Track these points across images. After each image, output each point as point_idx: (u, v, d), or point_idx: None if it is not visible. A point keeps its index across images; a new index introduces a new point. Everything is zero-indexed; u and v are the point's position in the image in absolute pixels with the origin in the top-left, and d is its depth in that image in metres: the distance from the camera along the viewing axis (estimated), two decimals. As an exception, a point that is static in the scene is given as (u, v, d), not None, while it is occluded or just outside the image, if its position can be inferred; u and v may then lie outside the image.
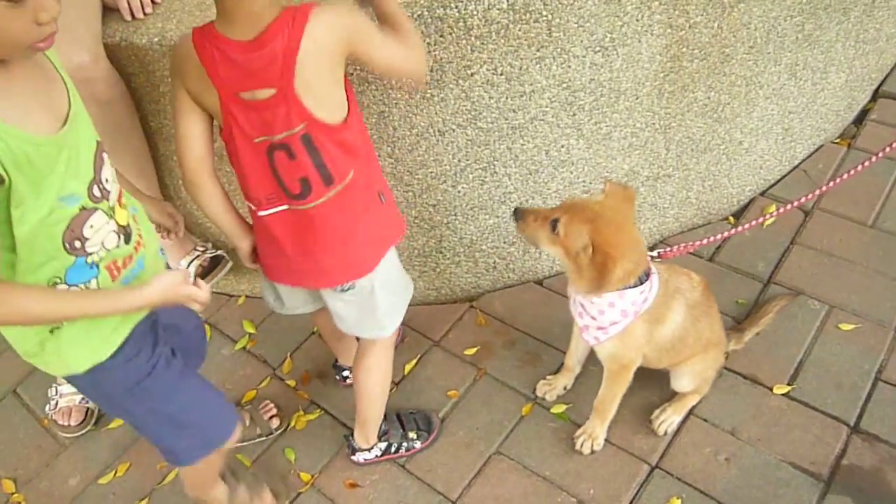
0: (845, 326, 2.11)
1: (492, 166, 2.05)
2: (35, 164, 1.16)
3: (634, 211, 1.67)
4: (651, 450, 1.95)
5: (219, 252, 2.40)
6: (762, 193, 2.54)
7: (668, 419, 1.97)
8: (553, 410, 2.07)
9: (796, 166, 2.58)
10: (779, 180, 2.55)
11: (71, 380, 1.45)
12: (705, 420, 1.99)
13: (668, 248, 1.80)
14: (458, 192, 2.10)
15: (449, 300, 2.42)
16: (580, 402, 2.06)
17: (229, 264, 2.39)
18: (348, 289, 1.65)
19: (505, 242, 2.26)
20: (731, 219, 2.49)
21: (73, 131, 1.25)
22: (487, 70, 1.85)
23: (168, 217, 1.69)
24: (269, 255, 1.65)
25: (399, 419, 2.05)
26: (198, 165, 1.52)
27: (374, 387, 1.91)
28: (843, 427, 1.92)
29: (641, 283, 1.66)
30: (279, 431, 2.14)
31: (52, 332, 1.34)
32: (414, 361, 2.24)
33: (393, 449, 2.02)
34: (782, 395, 2.00)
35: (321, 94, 1.41)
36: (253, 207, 1.57)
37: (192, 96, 1.45)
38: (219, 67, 1.37)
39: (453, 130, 1.95)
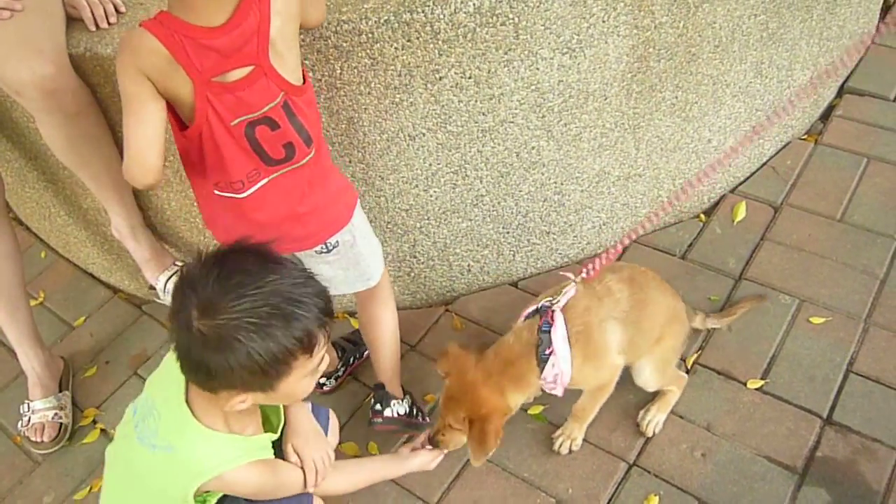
0: (816, 320, 2.14)
1: (463, 169, 2.05)
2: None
3: (474, 360, 1.75)
4: (628, 448, 1.97)
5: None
6: (732, 191, 2.56)
7: (654, 419, 1.98)
8: (530, 412, 2.07)
9: (765, 163, 2.61)
10: (748, 177, 2.58)
11: None
12: (681, 417, 2.00)
13: (587, 272, 1.72)
14: (431, 196, 2.10)
15: (424, 304, 2.42)
16: (558, 403, 2.04)
17: None
18: (332, 248, 1.68)
19: (479, 245, 2.26)
20: (703, 216, 2.52)
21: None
22: (456, 74, 1.85)
23: None
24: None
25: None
26: (161, 163, 1.46)
27: (388, 334, 1.96)
28: (817, 419, 1.95)
29: (546, 356, 1.69)
30: None
31: None
32: (391, 367, 2.24)
33: (415, 411, 2.02)
34: (756, 389, 2.02)
35: (289, 60, 1.47)
36: (229, 195, 1.55)
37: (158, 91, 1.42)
38: (191, 56, 1.37)
39: (424, 135, 1.96)
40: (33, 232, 2.94)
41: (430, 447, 1.82)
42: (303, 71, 1.54)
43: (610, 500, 1.88)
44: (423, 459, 1.82)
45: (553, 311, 1.70)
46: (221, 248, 1.30)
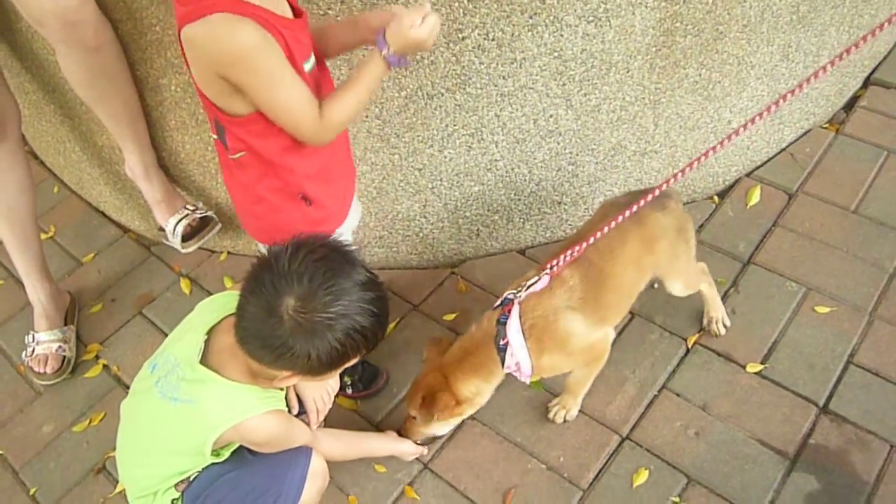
0: (821, 309, 2.14)
1: (479, 133, 2.04)
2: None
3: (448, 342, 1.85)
4: (622, 421, 1.98)
5: (208, 213, 2.38)
6: (748, 174, 2.54)
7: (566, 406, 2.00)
8: (528, 379, 2.09)
9: (783, 149, 2.59)
10: (765, 162, 2.56)
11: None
12: (678, 394, 2.01)
13: (553, 267, 1.72)
14: (445, 157, 2.09)
15: (431, 265, 2.43)
16: (555, 371, 2.07)
17: (218, 226, 2.38)
18: None
19: (489, 210, 2.26)
20: (716, 198, 2.50)
21: None
22: (479, 35, 1.83)
23: None
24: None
25: None
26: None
27: None
28: (813, 407, 1.95)
29: (503, 346, 1.72)
30: None
31: None
32: (393, 324, 2.25)
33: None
34: (755, 373, 2.03)
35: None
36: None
37: None
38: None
39: (442, 94, 1.94)
40: (47, 167, 2.95)
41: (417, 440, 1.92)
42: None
43: (601, 470, 1.90)
44: (406, 448, 1.92)
45: (512, 304, 1.72)
46: (307, 241, 1.39)
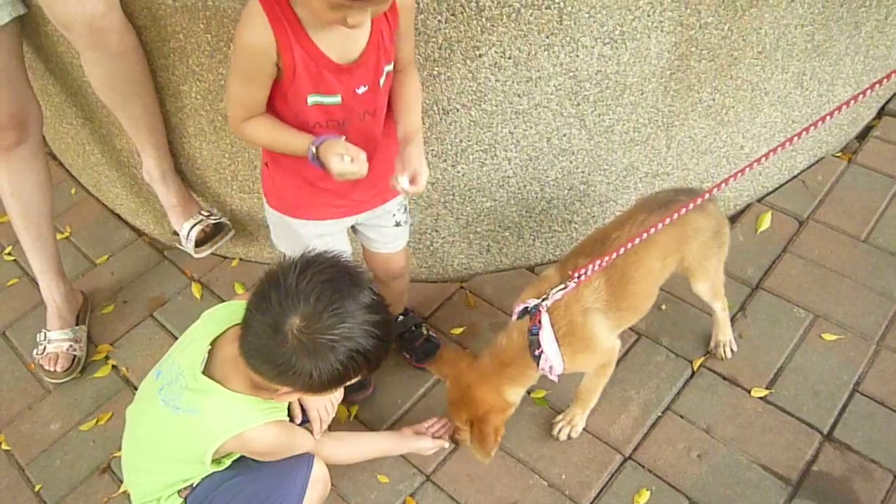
0: (828, 336, 2.14)
1: (493, 149, 2.07)
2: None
3: (468, 363, 1.85)
4: (626, 441, 1.98)
5: (222, 219, 2.41)
6: (759, 200, 2.55)
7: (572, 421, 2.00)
8: (533, 395, 2.09)
9: (795, 176, 2.60)
10: (777, 188, 2.57)
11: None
12: (681, 416, 2.02)
13: (579, 276, 1.72)
14: (458, 172, 2.11)
15: (440, 279, 2.44)
16: (559, 389, 2.08)
17: (231, 232, 2.41)
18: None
19: (500, 226, 2.28)
20: (727, 223, 2.51)
21: None
22: (496, 53, 1.86)
23: None
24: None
25: None
26: None
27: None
28: (817, 434, 1.95)
29: (537, 356, 1.73)
30: None
31: None
32: (400, 336, 2.26)
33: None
34: (760, 398, 2.03)
35: None
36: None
37: None
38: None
39: (457, 110, 1.97)
40: (66, 168, 2.99)
41: (434, 433, 1.93)
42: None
43: (602, 489, 1.90)
44: (424, 444, 1.91)
45: (540, 314, 1.73)
46: (316, 260, 1.41)
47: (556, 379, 1.79)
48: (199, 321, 1.65)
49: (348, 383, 1.47)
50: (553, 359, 1.72)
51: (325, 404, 1.73)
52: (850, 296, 2.23)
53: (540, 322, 1.72)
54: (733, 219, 2.52)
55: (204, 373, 1.50)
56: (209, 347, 1.53)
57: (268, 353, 1.37)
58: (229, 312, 1.58)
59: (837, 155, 2.67)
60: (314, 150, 1.51)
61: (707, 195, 1.66)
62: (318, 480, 1.68)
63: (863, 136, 2.74)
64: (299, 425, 1.70)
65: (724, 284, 2.05)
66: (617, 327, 1.83)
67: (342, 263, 1.44)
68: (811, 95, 2.37)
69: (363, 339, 1.38)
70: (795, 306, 2.22)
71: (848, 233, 2.41)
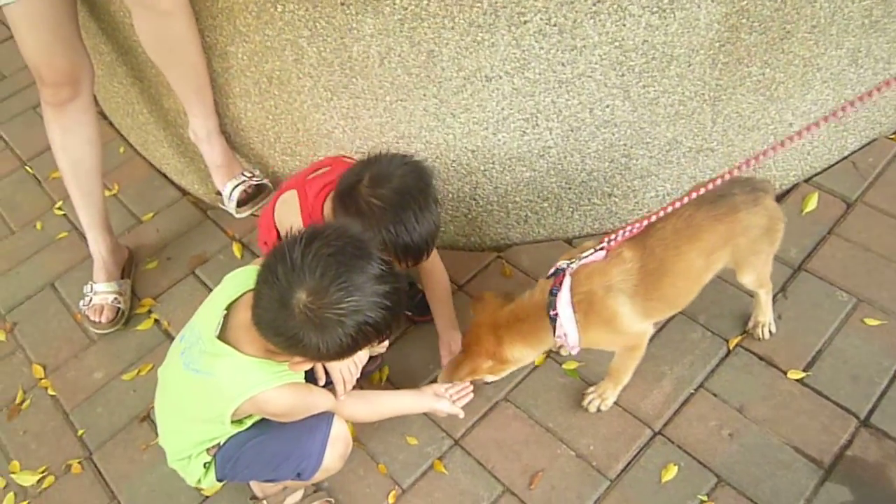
0: (871, 321, 2.09)
1: (534, 118, 2.05)
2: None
3: (502, 303, 1.85)
4: (656, 416, 1.97)
5: (264, 180, 2.45)
6: (806, 180, 2.49)
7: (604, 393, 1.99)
8: (565, 366, 2.09)
9: (845, 157, 2.53)
10: (825, 169, 2.50)
11: None
12: (715, 394, 2.00)
13: (610, 241, 1.72)
14: (499, 140, 2.11)
15: (477, 248, 2.45)
16: (593, 361, 2.08)
17: (273, 193, 2.44)
18: None
19: (539, 197, 2.27)
20: (771, 202, 2.46)
21: None
22: (541, 20, 1.84)
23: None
24: None
25: None
26: None
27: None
28: (853, 419, 1.92)
29: (553, 317, 1.72)
30: None
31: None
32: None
33: None
34: (796, 380, 2.00)
35: None
36: None
37: None
38: None
39: (500, 77, 1.96)
40: (115, 127, 3.06)
41: (452, 395, 1.91)
42: None
43: (630, 462, 1.90)
44: (441, 406, 1.88)
45: (564, 275, 1.72)
46: (322, 232, 1.39)
47: (573, 351, 1.79)
48: (221, 285, 1.64)
49: (362, 350, 1.50)
50: (567, 324, 1.71)
51: (349, 366, 1.73)
52: (895, 281, 2.17)
53: (561, 284, 1.71)
54: (779, 198, 2.47)
55: (219, 337, 1.50)
56: (225, 312, 1.54)
57: (277, 326, 1.38)
58: (246, 277, 1.57)
59: (891, 137, 2.59)
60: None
61: (735, 171, 1.59)
62: (339, 439, 1.71)
63: (919, 118, 2.65)
64: (323, 387, 1.72)
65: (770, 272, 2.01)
66: (646, 315, 1.79)
67: (349, 234, 1.42)
68: (866, 73, 2.29)
69: (372, 312, 1.37)
70: (838, 289, 2.18)
71: (897, 217, 2.34)
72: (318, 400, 1.65)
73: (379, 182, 1.71)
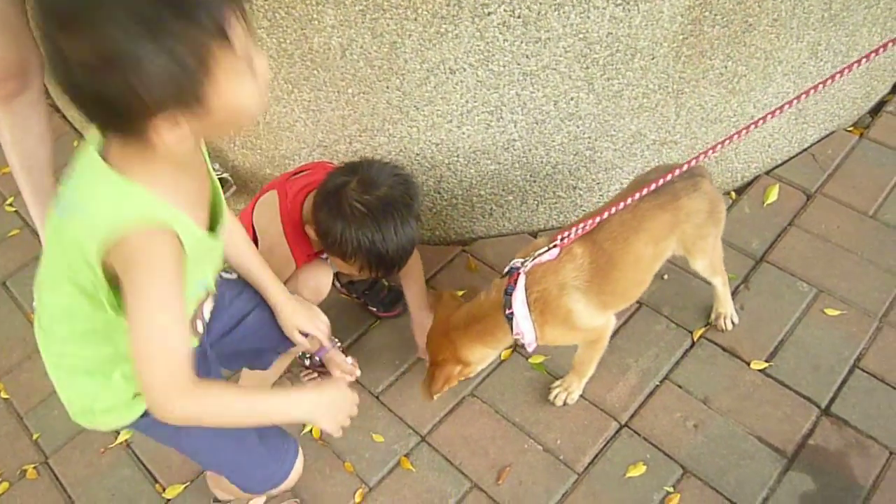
0: (831, 311, 2.12)
1: (499, 111, 2.04)
2: (193, 255, 1.15)
3: (459, 303, 1.87)
4: (622, 408, 1.98)
5: (224, 174, 2.39)
6: (767, 172, 2.52)
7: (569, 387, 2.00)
8: (531, 360, 2.09)
9: (805, 149, 2.56)
10: (786, 161, 2.54)
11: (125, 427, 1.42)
12: (679, 386, 2.01)
13: (563, 238, 1.72)
14: (463, 133, 2.09)
15: (442, 242, 2.43)
16: (558, 355, 2.07)
17: (233, 188, 2.39)
18: None
19: (503, 190, 2.26)
20: (733, 194, 2.48)
21: (222, 236, 1.29)
22: (505, 11, 1.82)
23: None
24: None
25: None
26: None
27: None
28: (814, 408, 1.94)
29: (509, 316, 1.71)
30: None
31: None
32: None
33: None
34: (759, 370, 2.02)
35: None
36: None
37: None
38: None
39: (464, 70, 1.94)
40: (68, 120, 2.97)
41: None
42: None
43: (597, 455, 1.90)
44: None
45: (518, 274, 1.72)
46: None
47: (530, 349, 1.78)
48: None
49: (236, 55, 0.99)
50: (522, 323, 1.70)
51: (320, 323, 1.68)
52: (854, 271, 2.21)
53: (516, 283, 1.71)
54: (740, 190, 2.50)
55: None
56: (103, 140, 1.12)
57: (85, 96, 0.98)
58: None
59: (849, 129, 2.63)
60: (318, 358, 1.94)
61: (688, 165, 1.62)
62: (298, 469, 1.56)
63: (876, 110, 2.69)
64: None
65: (723, 259, 2.02)
66: (603, 309, 1.79)
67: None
68: (825, 66, 2.32)
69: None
70: (799, 280, 2.21)
71: (856, 208, 2.38)
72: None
73: (367, 188, 1.69)
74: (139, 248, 1.08)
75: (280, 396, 1.48)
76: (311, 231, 1.78)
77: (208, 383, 1.28)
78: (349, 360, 1.85)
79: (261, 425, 1.44)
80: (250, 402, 1.31)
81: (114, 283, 1.14)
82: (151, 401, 1.18)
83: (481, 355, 1.81)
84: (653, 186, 1.66)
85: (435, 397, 1.82)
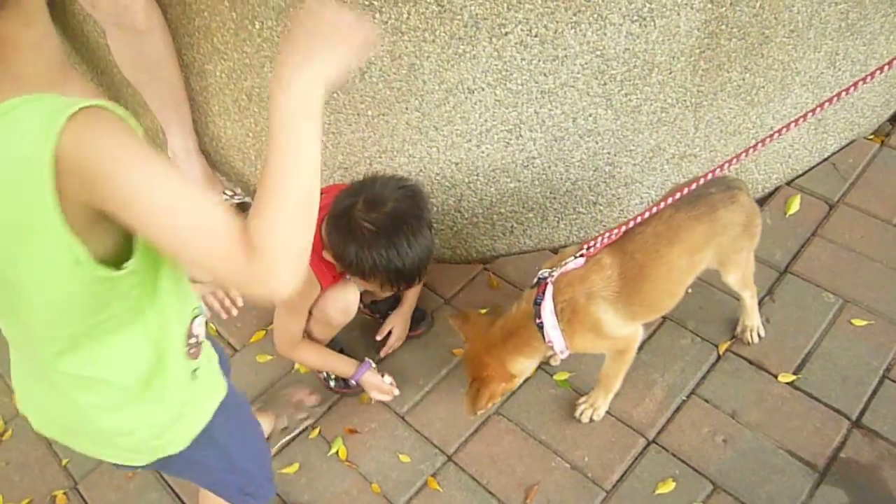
0: (858, 322, 2.10)
1: (517, 129, 2.04)
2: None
3: (486, 328, 1.84)
4: (649, 424, 1.97)
5: (245, 199, 2.42)
6: (788, 183, 2.51)
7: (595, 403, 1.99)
8: (556, 377, 2.08)
9: (826, 159, 2.55)
10: (806, 171, 2.52)
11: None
12: (707, 401, 1.99)
13: (590, 247, 1.74)
14: (482, 152, 2.10)
15: (463, 260, 2.43)
16: (583, 371, 2.07)
17: None
18: None
19: (524, 207, 2.26)
20: (755, 206, 2.47)
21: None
22: (522, 31, 1.83)
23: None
24: None
25: None
26: None
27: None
28: (845, 420, 1.92)
29: (539, 325, 1.72)
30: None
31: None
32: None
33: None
34: (787, 383, 2.00)
35: None
36: None
37: None
38: None
39: (483, 89, 1.95)
40: None
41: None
42: None
43: (625, 472, 1.89)
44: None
45: (546, 284, 1.73)
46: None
47: (562, 356, 1.79)
48: None
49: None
50: (551, 332, 1.71)
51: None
52: (880, 281, 2.19)
53: (544, 293, 1.71)
54: (762, 202, 2.48)
55: None
56: None
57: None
58: None
59: (869, 137, 2.62)
60: (354, 382, 2.02)
61: (716, 171, 1.63)
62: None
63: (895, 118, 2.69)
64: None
65: (753, 272, 2.01)
66: (631, 319, 1.79)
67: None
68: (844, 76, 2.31)
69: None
70: (824, 291, 2.19)
71: (879, 217, 2.36)
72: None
73: (373, 206, 1.70)
74: (88, 129, 0.85)
75: (296, 129, 0.97)
76: (327, 255, 1.79)
77: (254, 227, 0.91)
78: (387, 378, 1.87)
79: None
80: (293, 170, 0.95)
81: (81, 233, 0.89)
82: (244, 283, 0.92)
83: (522, 367, 1.82)
84: (678, 195, 1.66)
85: (479, 413, 1.82)
